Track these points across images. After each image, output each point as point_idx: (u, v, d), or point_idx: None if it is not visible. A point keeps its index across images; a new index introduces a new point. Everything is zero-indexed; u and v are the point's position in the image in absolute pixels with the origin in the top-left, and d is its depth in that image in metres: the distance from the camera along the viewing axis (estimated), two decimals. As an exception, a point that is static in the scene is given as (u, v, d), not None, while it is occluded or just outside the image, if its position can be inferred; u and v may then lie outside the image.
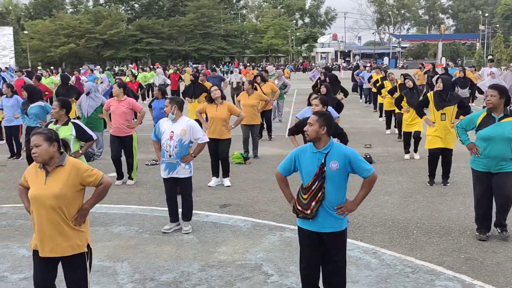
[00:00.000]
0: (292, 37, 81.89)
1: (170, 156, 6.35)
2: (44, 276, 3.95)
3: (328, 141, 4.12)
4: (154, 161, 10.60)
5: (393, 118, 13.87)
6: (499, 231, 6.10)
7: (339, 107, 9.50)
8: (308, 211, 4.12)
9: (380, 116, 16.88)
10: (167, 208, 7.32)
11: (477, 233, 6.10)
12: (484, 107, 6.22)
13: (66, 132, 6.50)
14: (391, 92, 12.80)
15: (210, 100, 8.56)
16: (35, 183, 3.84)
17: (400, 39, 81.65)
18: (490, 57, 57.19)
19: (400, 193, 8.13)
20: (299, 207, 4.21)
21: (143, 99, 21.46)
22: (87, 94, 10.80)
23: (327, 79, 13.46)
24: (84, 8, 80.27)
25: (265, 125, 13.39)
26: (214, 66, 56.71)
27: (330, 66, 39.49)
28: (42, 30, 67.88)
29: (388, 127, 14.27)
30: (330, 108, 7.33)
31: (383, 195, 7.90)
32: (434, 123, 8.22)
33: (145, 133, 12.78)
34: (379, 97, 16.41)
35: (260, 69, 45.73)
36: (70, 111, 6.89)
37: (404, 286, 4.87)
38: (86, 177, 3.87)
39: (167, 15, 78.74)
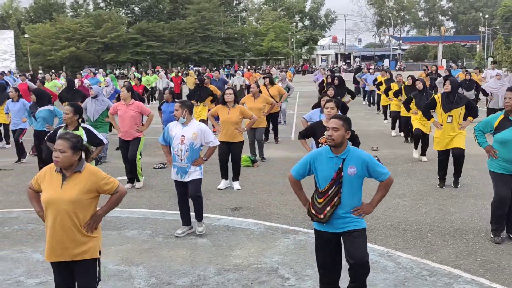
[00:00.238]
0: (292, 40, 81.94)
1: (181, 160, 6.34)
2: (64, 281, 3.94)
3: (346, 145, 4.12)
4: (161, 164, 10.59)
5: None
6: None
7: (344, 109, 9.48)
8: (322, 216, 4.12)
9: (385, 118, 16.88)
10: (178, 212, 7.32)
11: (491, 236, 6.08)
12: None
13: (77, 137, 6.48)
14: (396, 94, 12.81)
15: (223, 102, 8.56)
16: (50, 186, 3.81)
17: (401, 41, 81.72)
18: (490, 59, 57.30)
19: (410, 195, 8.11)
20: (313, 211, 4.21)
21: (148, 102, 21.47)
22: (94, 97, 10.77)
23: (336, 81, 13.46)
24: (84, 12, 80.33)
25: (270, 128, 13.38)
26: (215, 69, 56.85)
27: (333, 69, 39.61)
28: (43, 34, 67.92)
29: (393, 128, 14.28)
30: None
31: (394, 198, 7.88)
32: (441, 125, 8.22)
33: (152, 137, 12.78)
34: (383, 99, 16.41)
35: (261, 71, 45.94)
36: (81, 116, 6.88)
37: (422, 289, 4.86)
38: (103, 185, 3.85)
39: (167, 18, 78.81)
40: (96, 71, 31.46)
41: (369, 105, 21.87)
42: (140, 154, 8.91)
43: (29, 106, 9.38)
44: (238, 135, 8.61)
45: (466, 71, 20.11)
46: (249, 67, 51.51)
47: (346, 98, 13.28)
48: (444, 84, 8.21)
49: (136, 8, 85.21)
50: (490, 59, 57.17)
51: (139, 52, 72.52)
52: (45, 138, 7.17)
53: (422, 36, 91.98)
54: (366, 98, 23.02)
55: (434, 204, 7.59)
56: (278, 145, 13.13)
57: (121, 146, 8.86)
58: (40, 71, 53.51)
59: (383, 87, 16.55)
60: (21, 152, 11.29)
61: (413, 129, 10.63)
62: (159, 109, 10.67)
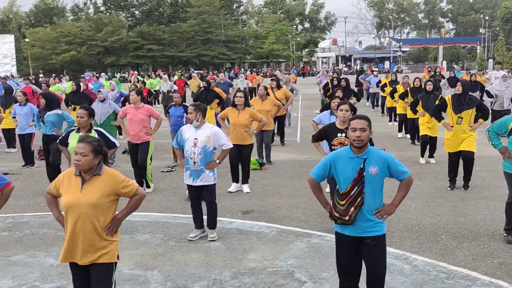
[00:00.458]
0: (292, 42, 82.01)
1: (194, 163, 6.32)
2: (83, 285, 3.91)
3: (367, 146, 4.10)
4: (169, 168, 10.57)
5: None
6: None
7: (353, 111, 9.49)
8: (346, 217, 4.08)
9: (390, 120, 16.87)
10: (189, 215, 7.30)
11: (505, 235, 6.06)
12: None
13: (90, 140, 6.45)
14: (402, 96, 12.80)
15: (233, 104, 8.56)
16: (70, 190, 3.79)
17: (401, 43, 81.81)
18: (490, 60, 57.42)
19: (422, 197, 8.09)
20: (336, 214, 4.16)
21: (152, 105, 21.44)
22: (102, 101, 10.78)
23: (344, 82, 13.46)
24: (85, 16, 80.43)
25: (275, 130, 13.35)
26: (216, 72, 56.89)
27: (335, 70, 39.62)
28: (43, 38, 68.05)
29: (400, 130, 14.27)
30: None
31: (405, 200, 7.73)
32: (452, 126, 8.20)
33: (159, 140, 12.77)
34: (389, 100, 16.41)
35: (262, 74, 45.99)
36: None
37: (441, 292, 4.84)
38: (122, 188, 3.83)
39: (167, 22, 78.91)
40: (98, 75, 31.46)
41: (373, 107, 21.86)
42: (151, 158, 8.89)
43: (38, 111, 9.35)
44: (247, 137, 8.60)
45: (469, 72, 20.13)
46: (252, 69, 51.62)
47: (352, 100, 13.26)
48: (455, 86, 8.19)
49: (137, 12, 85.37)
50: (491, 60, 57.35)
51: (139, 56, 72.61)
52: (57, 141, 7.16)
53: (423, 38, 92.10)
54: (370, 100, 23.01)
55: (446, 206, 7.57)
56: (284, 147, 13.11)
57: (130, 149, 8.85)
58: (41, 75, 53.54)
59: (388, 89, 16.56)
60: (30, 158, 11.27)
61: (420, 135, 10.59)
62: (167, 112, 10.66)
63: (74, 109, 12.56)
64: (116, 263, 3.89)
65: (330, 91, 14.62)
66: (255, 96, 13.69)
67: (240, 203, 8.07)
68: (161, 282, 5.25)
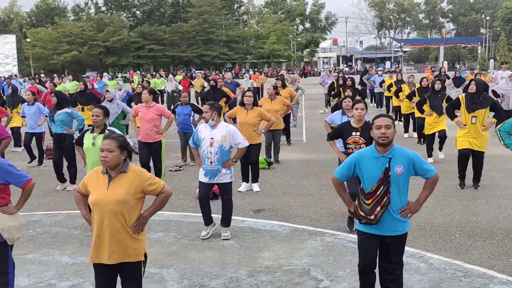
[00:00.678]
0: (293, 43, 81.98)
1: (211, 163, 6.31)
2: (106, 285, 3.90)
3: (392, 145, 4.09)
4: (177, 167, 10.57)
5: (411, 122, 13.89)
6: None
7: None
8: (372, 217, 4.08)
9: (395, 119, 16.86)
10: (201, 214, 7.31)
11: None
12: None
13: (103, 140, 6.44)
14: (410, 96, 12.79)
15: (241, 104, 8.55)
16: (97, 188, 3.81)
17: (402, 43, 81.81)
18: (492, 60, 57.42)
19: (432, 196, 8.01)
20: (361, 213, 4.16)
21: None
22: (110, 100, 10.78)
23: (350, 82, 13.46)
24: (86, 16, 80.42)
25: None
26: (217, 71, 56.92)
27: (335, 70, 39.63)
28: (45, 38, 68.04)
29: (406, 130, 14.27)
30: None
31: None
32: (465, 125, 8.20)
33: (167, 140, 12.73)
34: (394, 100, 16.40)
35: (264, 74, 46.10)
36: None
37: (459, 290, 4.84)
38: (148, 185, 3.84)
39: (169, 22, 78.89)
40: (100, 75, 31.47)
41: (377, 107, 21.85)
42: (163, 157, 8.90)
43: (49, 110, 9.35)
44: (256, 137, 8.59)
45: (473, 72, 20.14)
46: (255, 70, 51.74)
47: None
48: (469, 85, 8.19)
49: (138, 12, 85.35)
50: (492, 60, 57.34)
51: (141, 56, 72.63)
52: (74, 142, 7.16)
53: (424, 38, 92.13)
54: (374, 101, 23.00)
55: (457, 205, 7.57)
56: (291, 147, 13.11)
57: (140, 148, 8.85)
58: (42, 75, 53.51)
59: (393, 89, 16.55)
60: (40, 157, 11.28)
61: (426, 134, 10.60)
62: (173, 112, 10.66)
63: (83, 109, 12.57)
64: (144, 261, 3.89)
65: (335, 90, 14.63)
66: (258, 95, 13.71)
67: (250, 202, 8.07)
68: (177, 280, 5.25)
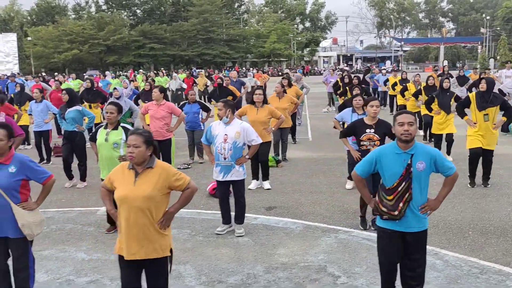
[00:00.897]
0: (294, 42, 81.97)
1: (225, 158, 6.36)
2: (132, 281, 3.92)
3: (414, 141, 4.12)
4: (185, 165, 10.60)
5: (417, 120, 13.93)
6: None
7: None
8: (396, 212, 4.10)
9: (400, 118, 16.88)
10: (213, 211, 7.36)
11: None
12: None
13: (117, 136, 6.44)
14: (416, 95, 12.82)
15: (251, 102, 8.58)
16: (123, 183, 3.82)
17: (402, 43, 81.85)
18: (491, 60, 57.46)
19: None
20: (383, 209, 4.18)
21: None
22: (118, 98, 10.80)
23: (356, 80, 13.48)
24: (87, 14, 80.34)
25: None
26: (217, 70, 56.91)
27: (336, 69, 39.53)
28: (45, 36, 67.91)
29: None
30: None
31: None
32: (475, 123, 8.23)
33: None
34: (399, 99, 16.42)
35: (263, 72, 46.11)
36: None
37: (477, 286, 4.86)
38: (174, 181, 3.85)
39: (169, 21, 78.82)
40: (102, 74, 31.48)
41: (381, 106, 21.86)
42: (173, 154, 8.94)
43: (59, 108, 9.37)
44: (266, 135, 8.61)
45: (477, 71, 20.18)
46: (258, 68, 51.80)
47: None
48: (479, 83, 8.23)
49: (138, 11, 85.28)
50: (492, 60, 57.38)
51: (141, 55, 72.52)
52: (89, 138, 7.19)
53: (424, 38, 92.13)
54: (378, 99, 23.02)
55: (468, 203, 7.60)
56: (297, 145, 13.14)
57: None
58: (44, 74, 53.47)
59: (398, 88, 16.59)
60: (47, 155, 11.29)
61: (433, 133, 10.63)
62: (181, 110, 10.67)
63: (90, 107, 12.58)
64: (170, 257, 3.91)
65: (341, 89, 14.65)
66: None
67: (262, 200, 8.10)
68: (195, 276, 5.28)
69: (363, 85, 23.68)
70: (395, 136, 6.36)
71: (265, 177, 8.80)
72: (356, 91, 9.85)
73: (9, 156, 4.34)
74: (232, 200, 6.62)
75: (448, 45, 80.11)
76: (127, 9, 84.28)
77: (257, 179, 8.82)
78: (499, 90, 15.11)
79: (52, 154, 11.62)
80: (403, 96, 14.58)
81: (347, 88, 13.48)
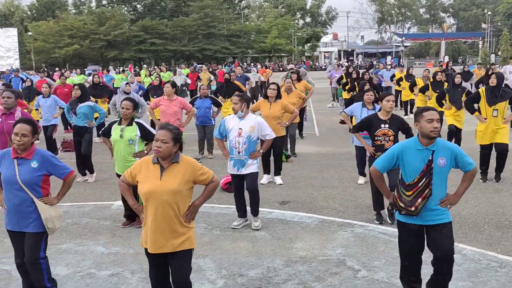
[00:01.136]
0: (294, 37, 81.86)
1: (239, 152, 6.38)
2: (161, 273, 3.96)
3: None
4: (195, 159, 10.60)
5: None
6: None
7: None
8: (413, 208, 4.12)
9: (406, 114, 16.90)
10: (226, 205, 7.39)
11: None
12: None
13: (131, 132, 6.44)
14: (423, 90, 12.85)
15: (265, 97, 8.60)
16: (149, 178, 3.84)
17: (404, 38, 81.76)
18: (492, 55, 57.43)
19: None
20: (401, 204, 4.21)
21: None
22: (127, 93, 10.80)
23: (368, 76, 13.49)
24: (87, 9, 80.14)
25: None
26: (218, 66, 56.72)
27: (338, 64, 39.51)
28: (46, 31, 67.76)
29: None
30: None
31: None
32: (485, 119, 8.25)
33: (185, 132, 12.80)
34: (404, 94, 16.45)
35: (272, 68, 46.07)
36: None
37: (497, 280, 4.89)
38: (200, 175, 3.90)
39: (170, 16, 78.67)
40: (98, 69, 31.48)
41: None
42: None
43: (69, 102, 9.37)
44: (280, 129, 8.63)
45: (481, 67, 20.19)
46: (262, 64, 51.84)
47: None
48: (489, 78, 8.24)
49: (139, 6, 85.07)
50: (493, 55, 57.41)
51: (142, 50, 72.41)
52: (100, 133, 7.18)
53: (425, 33, 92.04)
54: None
55: (481, 198, 7.63)
56: (304, 140, 13.17)
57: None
58: (46, 69, 53.42)
59: (403, 83, 16.62)
60: (53, 148, 11.29)
61: (447, 125, 10.61)
62: (192, 105, 10.68)
63: (96, 102, 12.58)
64: (193, 249, 3.95)
65: (349, 85, 14.66)
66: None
67: (275, 194, 8.12)
68: (215, 269, 5.31)
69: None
70: (408, 132, 6.42)
71: (278, 171, 8.82)
72: (367, 86, 9.89)
73: (31, 151, 4.35)
74: (246, 194, 6.64)
75: (449, 41, 80.00)
76: (128, 4, 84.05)
77: (268, 173, 8.85)
78: (506, 85, 15.15)
79: (61, 149, 11.62)
80: (412, 91, 14.59)
81: (355, 83, 13.49)
